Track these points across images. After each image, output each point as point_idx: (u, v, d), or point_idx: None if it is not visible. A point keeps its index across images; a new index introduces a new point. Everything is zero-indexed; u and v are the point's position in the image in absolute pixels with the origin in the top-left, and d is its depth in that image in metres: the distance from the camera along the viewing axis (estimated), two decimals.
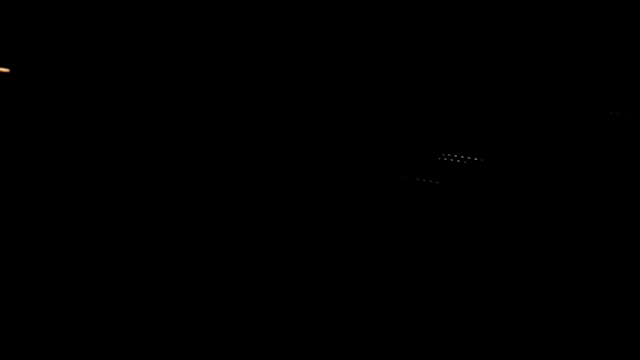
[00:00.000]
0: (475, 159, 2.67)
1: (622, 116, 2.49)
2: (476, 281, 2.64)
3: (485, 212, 2.64)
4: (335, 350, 2.63)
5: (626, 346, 2.58)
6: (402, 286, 2.71)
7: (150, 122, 3.04)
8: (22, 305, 2.94)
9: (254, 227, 2.83)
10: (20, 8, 2.93)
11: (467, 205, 2.67)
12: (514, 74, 2.62)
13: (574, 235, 2.59)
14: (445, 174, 2.70)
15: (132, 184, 3.05)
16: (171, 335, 2.88)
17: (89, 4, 2.94)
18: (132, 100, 3.05)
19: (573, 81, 2.62)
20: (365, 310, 2.69)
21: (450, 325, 2.64)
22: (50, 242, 3.04)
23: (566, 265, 2.58)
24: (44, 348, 2.89)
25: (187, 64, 2.99)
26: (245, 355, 2.77)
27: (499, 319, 2.62)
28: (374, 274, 2.76)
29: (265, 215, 2.81)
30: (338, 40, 2.66)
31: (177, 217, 3.02)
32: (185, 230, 3.01)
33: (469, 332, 2.62)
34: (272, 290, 2.77)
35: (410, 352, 2.62)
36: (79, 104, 3.01)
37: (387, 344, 2.64)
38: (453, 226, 2.68)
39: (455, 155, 2.65)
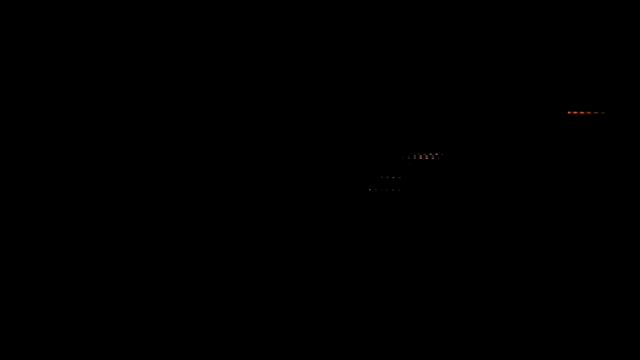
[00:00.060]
0: (437, 153, 2.76)
1: (586, 115, 2.55)
2: (450, 277, 2.60)
3: (452, 206, 2.66)
4: (316, 350, 2.58)
5: (626, 346, 2.51)
6: (379, 284, 2.68)
7: (150, 122, 3.11)
8: (22, 305, 2.95)
9: (230, 227, 2.83)
10: (20, 8, 3.05)
11: (433, 200, 2.70)
12: (475, 71, 2.67)
13: (543, 227, 2.58)
14: (408, 171, 2.76)
15: (132, 184, 3.10)
16: (171, 335, 2.87)
17: (89, 4, 3.06)
18: (132, 100, 3.13)
19: (532, 79, 2.68)
20: (344, 310, 2.65)
21: (433, 326, 2.59)
22: (51, 242, 3.07)
23: (538, 259, 2.55)
24: (44, 348, 2.89)
25: (187, 64, 3.07)
26: (245, 355, 2.74)
27: (481, 318, 2.57)
28: (350, 274, 2.73)
29: (236, 215, 2.81)
30: (303, 41, 2.70)
31: (177, 217, 3.05)
32: (181, 231, 3.03)
33: (450, 332, 2.57)
34: (250, 290, 2.75)
35: (393, 353, 2.57)
36: (79, 104, 3.10)
37: (363, 345, 2.59)
38: (421, 220, 2.69)
39: (418, 153, 2.74)
